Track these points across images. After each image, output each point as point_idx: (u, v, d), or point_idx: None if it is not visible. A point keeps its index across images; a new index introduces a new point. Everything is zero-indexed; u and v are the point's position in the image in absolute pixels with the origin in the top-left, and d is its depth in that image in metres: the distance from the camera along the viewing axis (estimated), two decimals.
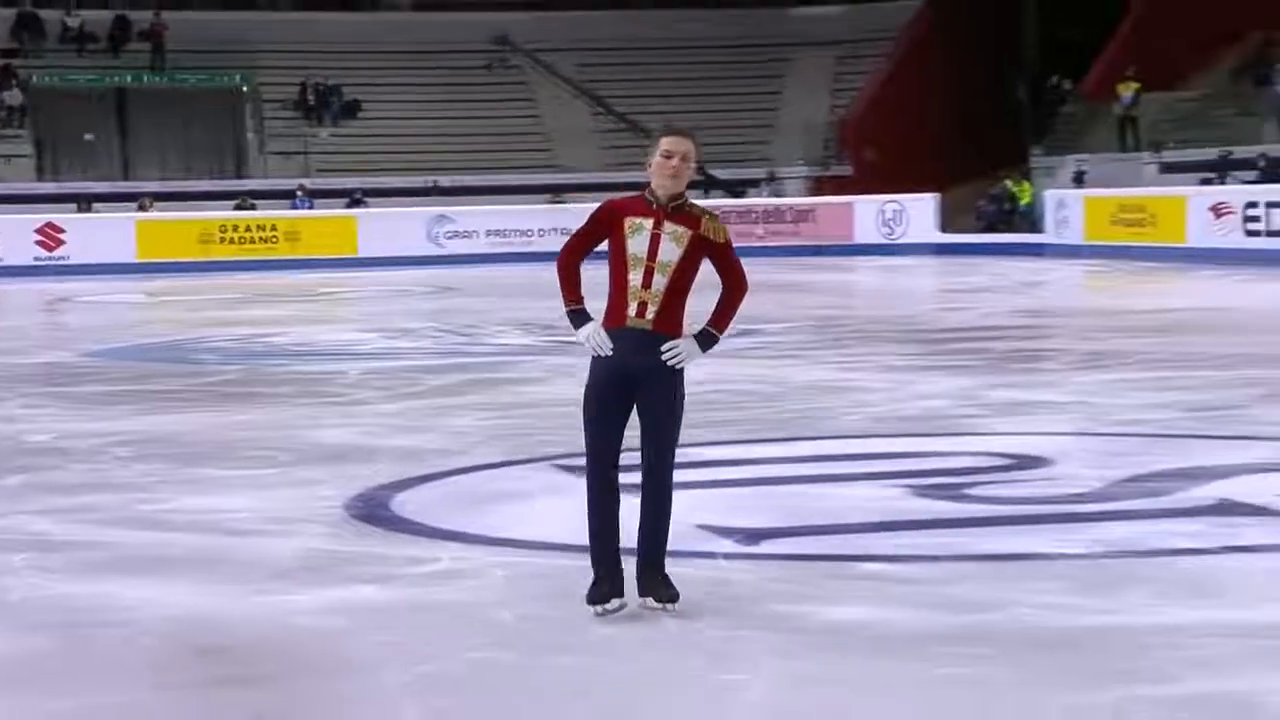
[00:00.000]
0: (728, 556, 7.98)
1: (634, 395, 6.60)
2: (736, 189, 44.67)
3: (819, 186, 45.03)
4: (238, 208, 42.41)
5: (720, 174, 44.51)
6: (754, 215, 41.57)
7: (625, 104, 48.16)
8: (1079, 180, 38.81)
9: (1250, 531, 8.39)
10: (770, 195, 44.29)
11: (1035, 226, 38.40)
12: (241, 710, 5.82)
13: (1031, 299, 27.53)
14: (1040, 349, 19.43)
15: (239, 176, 47.98)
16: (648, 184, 6.77)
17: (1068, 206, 37.33)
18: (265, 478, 10.51)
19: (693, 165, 6.74)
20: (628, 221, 6.49)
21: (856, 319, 22.53)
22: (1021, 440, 11.39)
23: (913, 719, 5.52)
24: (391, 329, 22.00)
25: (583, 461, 10.56)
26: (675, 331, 6.61)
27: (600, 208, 6.76)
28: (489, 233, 39.63)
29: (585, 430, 6.70)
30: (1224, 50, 40.98)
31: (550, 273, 6.89)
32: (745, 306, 6.67)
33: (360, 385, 15.98)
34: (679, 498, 9.36)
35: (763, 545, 8.24)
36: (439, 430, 12.50)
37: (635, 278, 6.48)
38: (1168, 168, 37.70)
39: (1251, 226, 31.54)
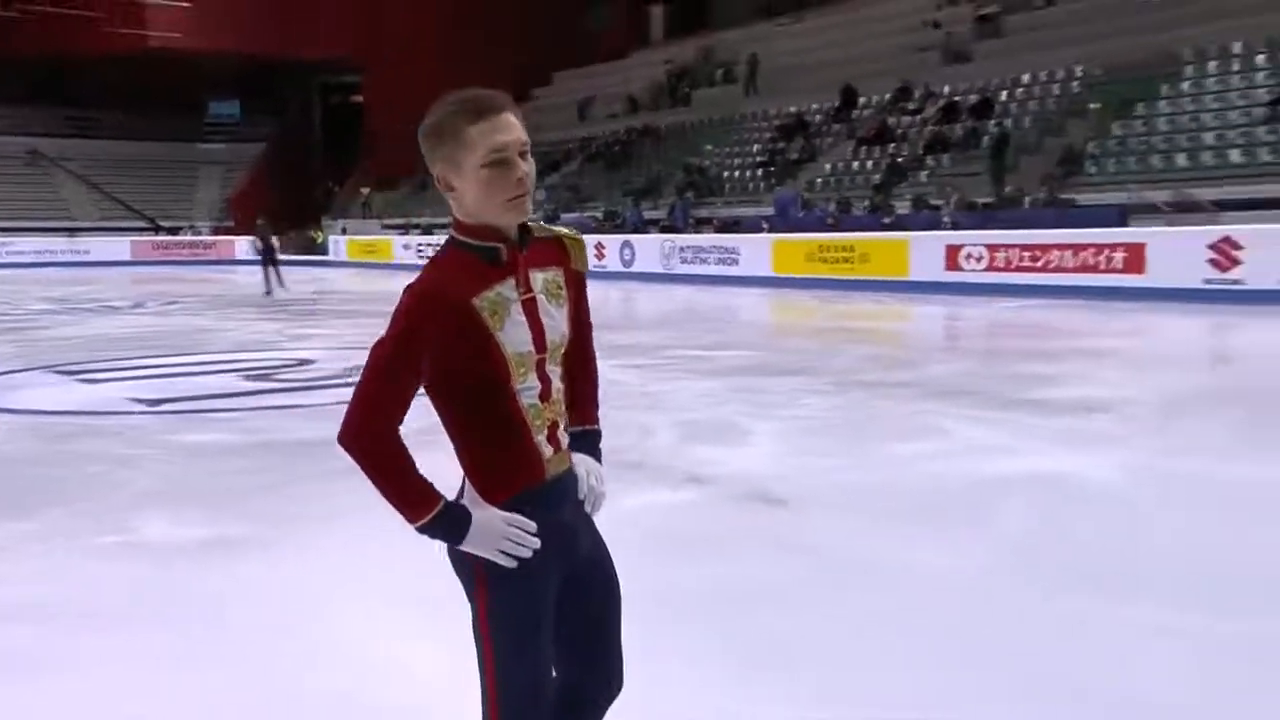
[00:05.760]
0: (142, 413, 7.31)
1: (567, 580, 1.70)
2: (174, 230, 40.80)
3: (219, 231, 41.83)
4: None
5: (164, 223, 41.31)
6: (184, 245, 38.78)
7: (110, 186, 42.76)
8: (344, 231, 37.73)
9: None
10: (193, 234, 40.62)
11: (324, 251, 36.87)
12: None
13: (319, 285, 26.16)
14: (349, 309, 18.62)
15: None
16: (454, 222, 1.64)
17: (339, 244, 36.27)
18: None
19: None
20: (478, 303, 1.56)
21: (230, 295, 20.84)
22: (307, 352, 10.76)
23: (244, 485, 5.23)
24: None
25: (70, 363, 9.76)
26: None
27: (411, 307, 1.54)
28: (34, 251, 35.35)
29: (508, 677, 1.61)
30: (407, 175, 40.75)
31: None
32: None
33: None
34: (111, 388, 8.47)
35: (162, 406, 7.55)
36: None
37: (530, 388, 1.62)
38: (385, 226, 37.17)
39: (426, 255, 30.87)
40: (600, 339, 1.95)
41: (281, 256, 22.40)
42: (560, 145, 36.48)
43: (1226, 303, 13.82)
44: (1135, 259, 15.42)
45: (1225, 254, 14.46)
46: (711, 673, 2.92)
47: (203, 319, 15.29)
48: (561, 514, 1.70)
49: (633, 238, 24.70)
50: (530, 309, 1.64)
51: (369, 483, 1.63)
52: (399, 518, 1.64)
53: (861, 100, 27.18)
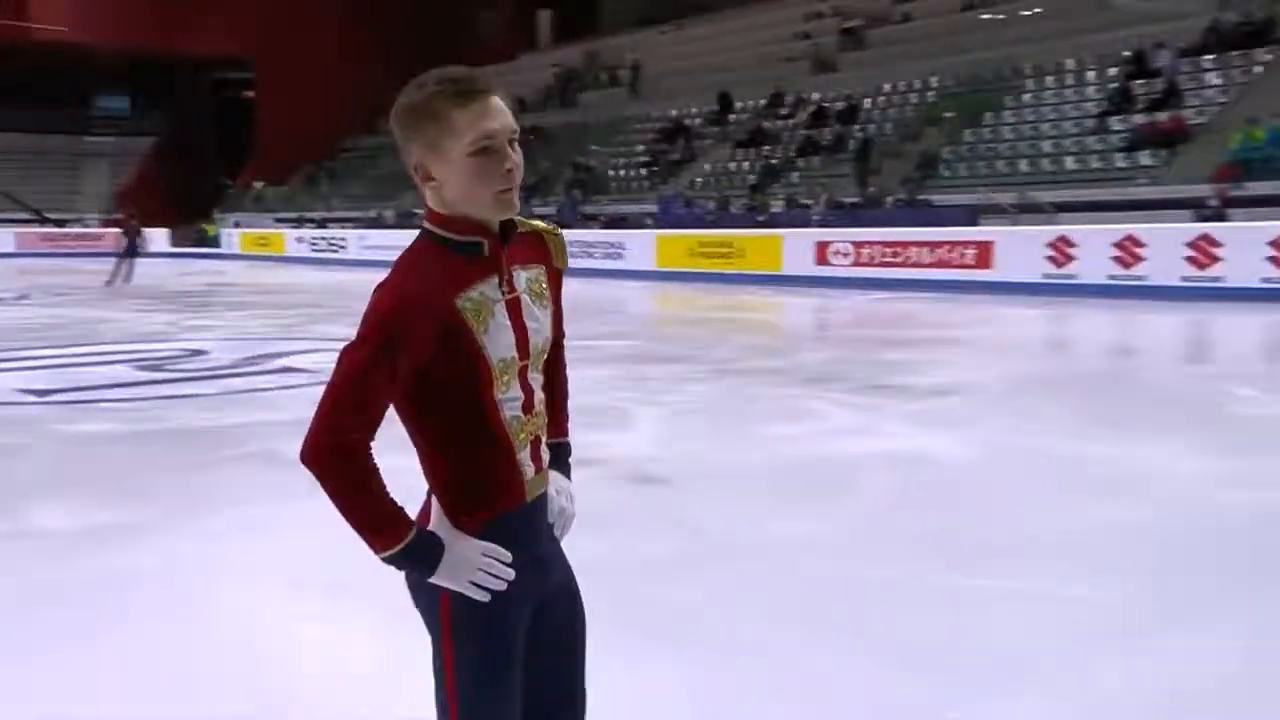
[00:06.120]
0: (33, 403, 6.89)
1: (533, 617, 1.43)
2: (61, 224, 38.37)
3: (108, 223, 39.41)
4: None
5: (52, 216, 38.56)
6: (72, 237, 36.36)
7: (4, 184, 39.92)
8: (236, 225, 36.21)
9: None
10: (82, 227, 38.26)
11: (217, 244, 35.20)
12: None
13: (212, 277, 24.92)
14: (243, 301, 17.70)
15: None
16: (429, 214, 1.37)
17: (232, 237, 34.68)
18: None
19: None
20: (460, 302, 1.30)
21: (121, 287, 19.61)
22: (200, 343, 10.16)
23: (137, 473, 4.96)
24: None
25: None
26: None
27: (387, 308, 1.27)
28: None
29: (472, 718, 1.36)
30: (299, 170, 39.51)
31: None
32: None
33: None
34: (9, 379, 7.95)
35: (51, 396, 7.11)
36: None
37: (513, 398, 1.36)
38: (278, 220, 35.82)
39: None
40: None
41: (174, 249, 21.28)
42: None
43: (1063, 295, 14.51)
44: (984, 255, 16.05)
45: (1062, 251, 15.18)
46: (602, 648, 2.90)
47: (93, 310, 14.49)
48: (538, 542, 1.44)
49: None
50: (514, 310, 1.38)
51: (326, 497, 1.32)
52: (346, 525, 1.33)
53: (738, 105, 27.53)
